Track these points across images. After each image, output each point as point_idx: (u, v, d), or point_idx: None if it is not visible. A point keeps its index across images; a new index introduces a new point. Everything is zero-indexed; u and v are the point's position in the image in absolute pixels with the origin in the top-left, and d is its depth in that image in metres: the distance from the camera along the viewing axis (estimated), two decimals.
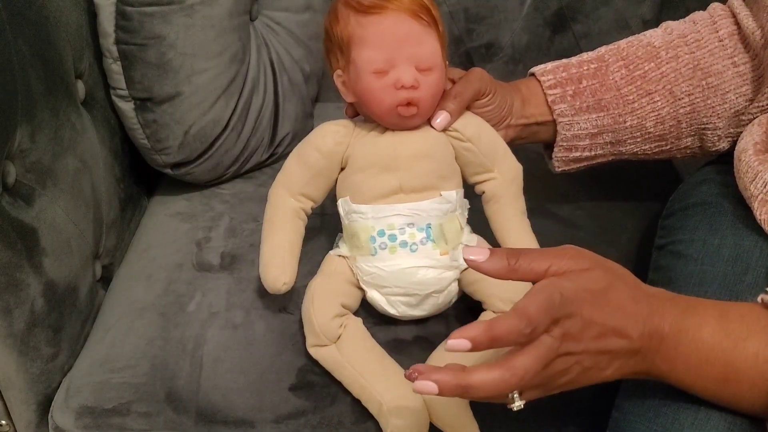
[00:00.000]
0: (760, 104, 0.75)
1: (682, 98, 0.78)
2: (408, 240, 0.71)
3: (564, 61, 0.81)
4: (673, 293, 0.57)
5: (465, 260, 0.53)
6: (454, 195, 0.73)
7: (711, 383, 0.54)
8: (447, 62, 0.74)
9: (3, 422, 0.76)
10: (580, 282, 0.52)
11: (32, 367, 0.73)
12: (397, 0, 0.67)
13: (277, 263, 0.74)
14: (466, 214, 0.75)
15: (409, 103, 0.69)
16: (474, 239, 0.75)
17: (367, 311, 0.76)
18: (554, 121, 0.80)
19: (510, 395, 0.51)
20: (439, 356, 0.71)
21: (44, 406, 0.76)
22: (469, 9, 1.08)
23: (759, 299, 0.55)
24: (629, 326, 0.53)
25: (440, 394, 0.50)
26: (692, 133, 0.80)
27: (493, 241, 0.76)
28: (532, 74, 0.82)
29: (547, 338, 0.50)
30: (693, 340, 0.54)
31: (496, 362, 0.50)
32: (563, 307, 0.50)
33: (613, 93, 0.79)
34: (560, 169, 0.84)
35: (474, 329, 0.48)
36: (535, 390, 0.53)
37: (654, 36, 0.80)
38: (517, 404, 0.52)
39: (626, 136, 0.80)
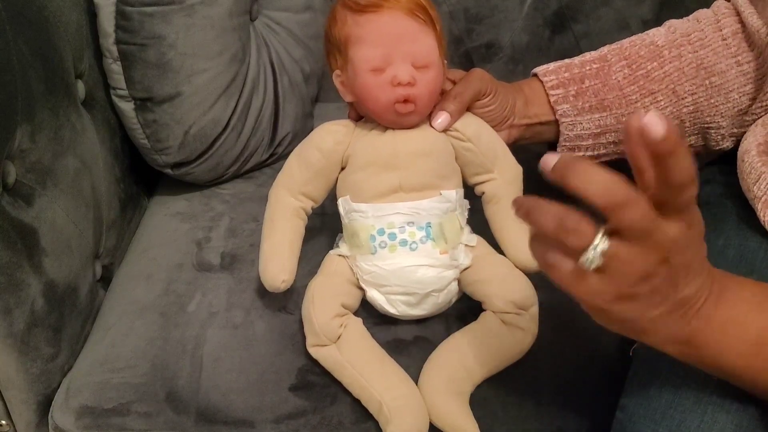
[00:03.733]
0: (763, 103, 0.75)
1: (686, 98, 0.78)
2: (408, 239, 0.71)
3: (566, 61, 0.81)
4: None
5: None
6: (453, 194, 0.73)
7: (744, 346, 0.51)
8: (446, 62, 0.74)
9: (3, 422, 0.76)
10: (691, 216, 0.48)
11: (32, 367, 0.73)
12: None
13: (277, 261, 0.74)
14: (466, 214, 0.75)
15: (406, 100, 0.69)
16: (474, 239, 0.75)
17: (367, 311, 0.76)
18: (557, 121, 0.80)
19: (596, 235, 0.46)
20: (440, 356, 0.71)
21: (44, 406, 0.76)
22: (469, 9, 1.08)
23: None
24: (698, 273, 0.50)
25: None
26: (696, 132, 0.80)
27: (493, 242, 0.76)
28: (535, 74, 0.82)
29: (667, 235, 0.46)
30: (732, 299, 0.51)
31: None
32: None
33: (616, 93, 0.79)
34: None
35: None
36: (621, 311, 0.48)
37: (657, 35, 0.80)
38: (598, 250, 0.46)
39: None
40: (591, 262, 0.46)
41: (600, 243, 0.46)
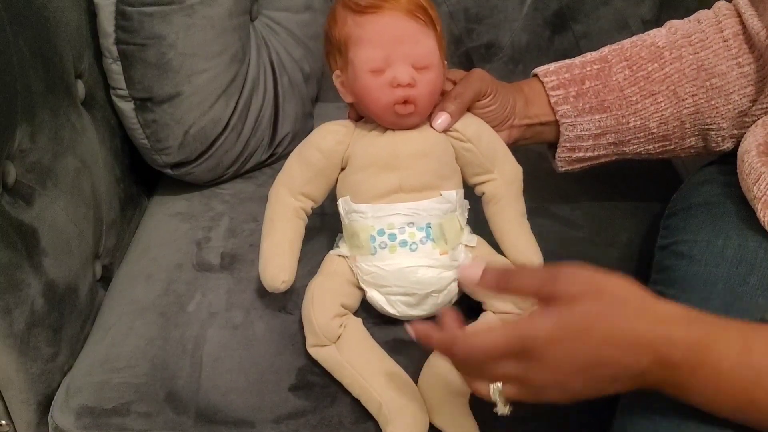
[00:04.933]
0: (764, 105, 0.75)
1: (686, 99, 0.77)
2: (408, 239, 0.71)
3: (567, 61, 0.81)
4: (694, 313, 0.53)
5: (459, 279, 0.57)
6: (453, 195, 0.73)
7: (727, 410, 0.52)
8: (446, 63, 0.74)
9: (3, 422, 0.76)
10: (559, 319, 0.52)
11: (32, 367, 0.73)
12: (394, 0, 0.68)
13: (277, 261, 0.74)
14: (466, 214, 0.75)
15: (406, 101, 0.69)
16: (474, 239, 0.75)
17: (367, 311, 0.76)
18: (557, 121, 0.80)
19: (492, 388, 0.55)
20: (439, 356, 0.71)
21: (44, 406, 0.76)
22: (469, 9, 1.08)
23: None
24: (622, 356, 0.52)
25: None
26: (696, 134, 0.80)
27: (493, 242, 0.76)
28: (535, 75, 0.82)
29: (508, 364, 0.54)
30: (711, 373, 0.51)
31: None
32: (524, 353, 0.53)
33: (616, 94, 0.79)
34: (563, 169, 0.84)
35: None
36: (514, 388, 0.55)
37: (658, 36, 0.80)
38: (501, 408, 0.56)
39: (629, 137, 0.80)
40: (498, 397, 0.57)
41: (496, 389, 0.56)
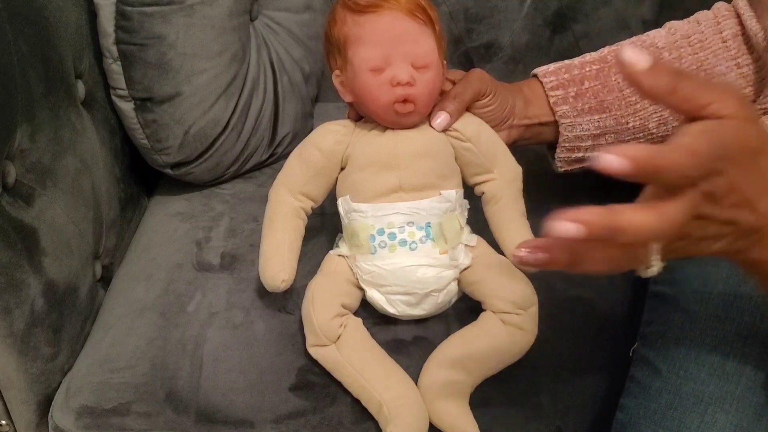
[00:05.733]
0: (763, 106, 0.75)
1: None
2: (407, 238, 0.71)
3: (566, 62, 0.81)
4: None
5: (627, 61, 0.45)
6: (453, 194, 0.73)
7: None
8: (446, 62, 0.74)
9: (3, 422, 0.76)
10: (740, 135, 0.45)
11: (32, 367, 0.73)
12: (394, 0, 0.68)
13: (277, 261, 0.74)
14: (465, 214, 0.75)
15: (405, 100, 0.69)
16: (474, 239, 0.75)
17: (367, 311, 0.76)
18: (556, 122, 0.80)
19: (650, 256, 0.47)
20: (439, 356, 0.71)
21: (44, 406, 0.76)
22: (469, 9, 1.08)
23: None
24: (762, 201, 0.46)
25: (588, 235, 0.43)
26: None
27: (493, 242, 0.76)
28: (535, 75, 0.82)
29: (694, 193, 0.44)
30: None
31: (645, 205, 0.45)
32: (719, 160, 0.44)
33: (616, 94, 0.79)
34: (563, 169, 0.84)
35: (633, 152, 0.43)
36: (672, 251, 0.47)
37: (657, 36, 0.80)
38: (657, 267, 0.47)
39: (629, 137, 0.80)
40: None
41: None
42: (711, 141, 0.43)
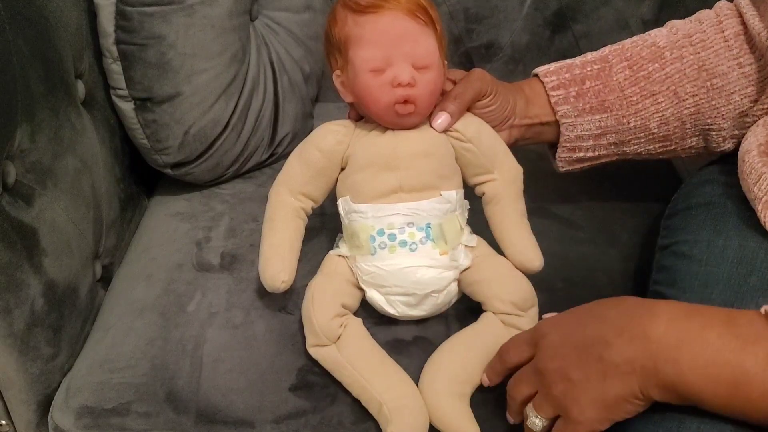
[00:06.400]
0: (765, 105, 0.75)
1: (687, 99, 0.77)
2: (407, 239, 0.71)
3: (567, 61, 0.81)
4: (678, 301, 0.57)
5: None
6: (453, 195, 0.73)
7: (722, 388, 0.52)
8: (446, 62, 0.74)
9: (3, 422, 0.76)
10: (560, 315, 0.62)
11: (32, 367, 0.73)
12: (394, 0, 0.68)
13: (277, 261, 0.74)
14: (466, 214, 0.75)
15: (406, 101, 0.69)
16: (474, 240, 0.75)
17: (367, 311, 0.76)
18: (557, 122, 0.80)
19: (528, 414, 0.61)
20: (440, 357, 0.71)
21: (44, 406, 0.76)
22: (469, 9, 1.08)
23: (762, 310, 0.53)
24: (612, 335, 0.55)
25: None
26: (696, 134, 0.80)
27: (493, 242, 0.76)
28: (535, 75, 0.82)
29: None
30: (698, 341, 0.52)
31: None
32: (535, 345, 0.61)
33: (617, 94, 0.79)
34: (564, 169, 0.84)
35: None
36: (545, 403, 0.59)
37: (659, 36, 0.80)
38: (536, 422, 0.60)
39: (630, 137, 0.80)
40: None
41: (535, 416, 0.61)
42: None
